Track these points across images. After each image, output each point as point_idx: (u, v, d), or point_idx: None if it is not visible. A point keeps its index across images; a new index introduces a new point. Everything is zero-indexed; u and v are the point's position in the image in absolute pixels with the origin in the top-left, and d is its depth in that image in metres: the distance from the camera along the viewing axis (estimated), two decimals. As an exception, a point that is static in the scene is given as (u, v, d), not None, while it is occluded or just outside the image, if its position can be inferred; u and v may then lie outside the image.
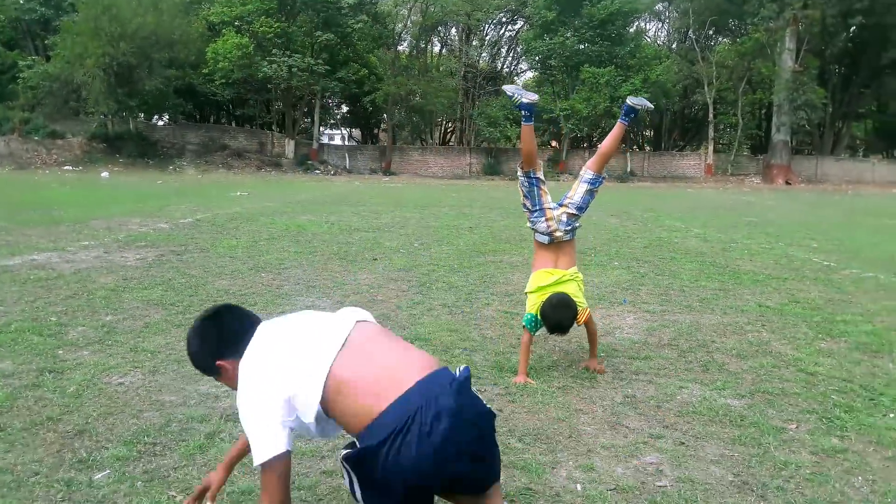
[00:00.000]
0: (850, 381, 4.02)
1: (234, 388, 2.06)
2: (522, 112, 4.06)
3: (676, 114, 48.68)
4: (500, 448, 2.87)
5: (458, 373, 1.98)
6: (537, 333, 4.08)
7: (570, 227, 4.15)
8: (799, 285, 7.11)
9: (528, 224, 4.23)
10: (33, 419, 3.19)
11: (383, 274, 7.20)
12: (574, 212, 4.16)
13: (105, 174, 30.61)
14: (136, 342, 4.45)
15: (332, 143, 51.38)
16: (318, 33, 37.31)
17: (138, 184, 24.11)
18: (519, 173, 4.21)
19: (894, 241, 11.73)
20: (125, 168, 35.17)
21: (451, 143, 50.53)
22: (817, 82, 41.81)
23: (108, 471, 2.71)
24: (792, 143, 48.80)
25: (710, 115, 43.06)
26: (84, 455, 2.84)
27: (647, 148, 51.46)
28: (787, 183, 40.71)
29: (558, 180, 38.79)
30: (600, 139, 47.80)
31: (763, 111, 45.40)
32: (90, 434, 3.05)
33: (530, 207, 4.18)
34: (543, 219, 4.13)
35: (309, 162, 39.38)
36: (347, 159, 42.16)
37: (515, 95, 4.09)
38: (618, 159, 43.66)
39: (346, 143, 53.34)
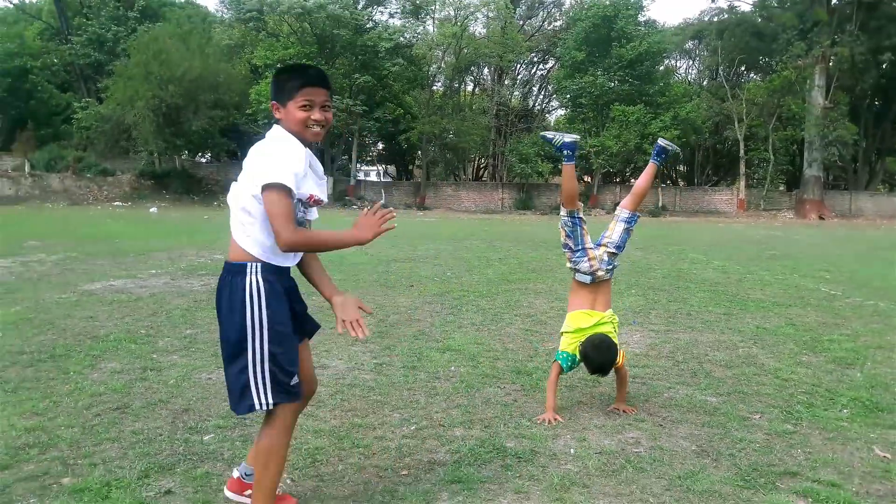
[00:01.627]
0: (817, 386, 4.72)
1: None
2: (564, 152, 4.13)
3: (709, 149, 49.15)
4: (516, 428, 3.68)
5: None
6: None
7: (611, 267, 4.18)
8: (799, 311, 7.76)
9: (569, 265, 4.23)
10: (148, 400, 4.08)
11: (419, 298, 8.05)
12: (614, 251, 4.19)
13: (153, 209, 32.17)
14: (216, 349, 5.33)
15: (368, 179, 52.80)
16: (356, 75, 38.86)
17: (186, 219, 25.46)
18: (562, 213, 4.21)
19: (908, 273, 12.21)
20: (171, 204, 36.80)
21: (483, 179, 51.65)
22: (849, 118, 42.03)
23: (212, 434, 3.57)
24: (827, 178, 48.93)
25: (742, 151, 43.51)
26: (192, 424, 3.71)
27: (682, 183, 51.89)
28: (821, 218, 40.79)
29: (590, 214, 39.47)
30: (633, 174, 48.57)
31: (795, 147, 45.71)
32: (194, 411, 3.92)
33: (573, 247, 4.18)
34: (586, 258, 4.13)
35: (346, 198, 40.73)
36: (383, 195, 43.42)
37: (556, 138, 4.21)
38: (650, 194, 44.03)
39: (382, 179, 54.74)
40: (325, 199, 2.66)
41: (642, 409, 4.14)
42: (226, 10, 44.70)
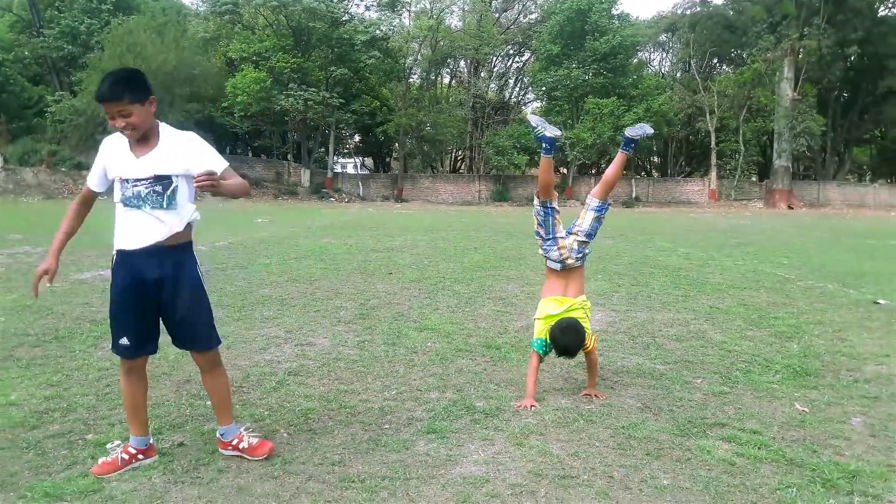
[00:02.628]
0: (756, 356, 5.25)
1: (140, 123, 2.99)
2: (543, 144, 4.20)
3: (682, 141, 50.07)
4: (484, 391, 4.15)
5: None
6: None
7: (580, 255, 4.27)
8: (752, 293, 8.33)
9: (541, 251, 4.33)
10: (152, 373, 4.47)
11: (397, 284, 8.50)
12: (584, 239, 4.27)
13: (131, 203, 32.18)
14: (209, 330, 5.76)
15: (345, 171, 53.04)
16: (333, 68, 39.09)
17: (165, 212, 25.59)
18: (535, 202, 4.32)
19: (862, 258, 12.88)
20: (148, 197, 36.76)
21: (461, 171, 52.17)
22: (817, 109, 43.10)
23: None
24: (797, 168, 50.12)
25: (713, 143, 44.43)
26: (195, 392, 4.15)
27: (655, 174, 52.77)
28: (790, 207, 41.83)
29: (565, 205, 39.97)
30: (607, 165, 49.27)
31: (766, 138, 46.77)
32: (195, 382, 4.34)
33: (544, 236, 4.28)
34: (556, 247, 4.23)
35: (324, 190, 40.99)
36: (361, 187, 43.74)
37: (539, 127, 4.23)
38: (623, 185, 45.07)
39: (360, 171, 55.03)
40: (138, 175, 3.05)
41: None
42: (201, 3, 44.59)
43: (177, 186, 3.08)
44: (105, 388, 4.19)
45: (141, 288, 3.09)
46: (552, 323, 4.07)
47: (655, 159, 54.71)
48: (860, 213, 39.79)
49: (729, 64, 52.20)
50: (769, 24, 43.29)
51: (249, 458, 3.19)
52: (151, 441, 3.27)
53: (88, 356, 4.93)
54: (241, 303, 7.02)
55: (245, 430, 3.32)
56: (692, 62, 47.70)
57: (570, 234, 4.31)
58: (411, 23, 44.67)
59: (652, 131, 4.67)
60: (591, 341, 4.16)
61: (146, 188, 3.02)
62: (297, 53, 39.38)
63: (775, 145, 43.63)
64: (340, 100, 38.92)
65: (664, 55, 57.11)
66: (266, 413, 3.81)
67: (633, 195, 44.45)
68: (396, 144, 45.73)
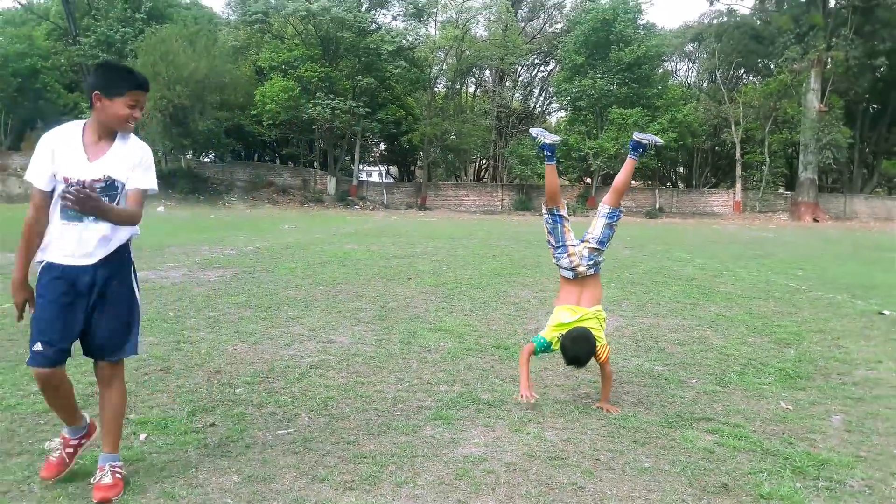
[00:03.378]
0: (753, 360, 5.52)
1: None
2: (544, 152, 4.35)
3: (708, 152, 49.94)
4: (490, 385, 4.48)
5: None
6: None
7: (592, 262, 4.27)
8: (760, 302, 8.56)
9: (553, 260, 4.40)
10: (186, 364, 4.90)
11: (416, 289, 8.87)
12: (596, 246, 4.29)
13: (161, 209, 32.98)
14: (238, 327, 6.18)
15: (370, 179, 53.67)
16: (359, 77, 39.69)
17: (193, 217, 26.31)
18: (544, 210, 4.43)
19: (876, 271, 12.99)
20: (178, 203, 37.62)
21: (484, 180, 52.48)
22: (844, 121, 42.77)
23: (242, 388, 4.39)
24: (825, 180, 49.70)
25: (738, 154, 44.31)
26: (225, 381, 4.54)
27: (681, 185, 52.65)
28: (815, 220, 41.51)
29: (587, 215, 40.28)
30: (634, 175, 49.37)
31: (792, 150, 46.49)
32: (225, 372, 4.73)
33: (554, 244, 4.35)
34: (566, 255, 4.28)
35: (349, 198, 41.58)
36: (385, 195, 44.25)
37: (539, 136, 4.39)
38: (647, 196, 45.14)
39: (384, 179, 55.63)
40: (81, 178, 2.83)
41: (596, 374, 4.95)
42: (231, 12, 45.57)
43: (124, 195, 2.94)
44: (143, 377, 4.59)
45: (72, 294, 2.87)
46: (563, 332, 4.07)
47: (681, 170, 54.58)
48: (887, 226, 39.37)
49: (755, 74, 51.99)
50: (796, 35, 43.08)
51: (92, 485, 2.91)
52: (88, 419, 3.19)
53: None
54: (268, 303, 7.43)
55: (117, 468, 2.96)
56: (718, 72, 47.64)
57: (581, 241, 4.33)
58: (437, 32, 45.18)
59: (661, 142, 4.69)
60: (603, 352, 4.12)
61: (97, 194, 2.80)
62: (324, 63, 40.07)
63: (801, 157, 43.34)
64: (366, 109, 39.50)
65: (690, 65, 57.11)
66: (289, 400, 4.18)
67: (658, 206, 44.42)
68: (421, 153, 46.19)
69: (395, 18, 44.21)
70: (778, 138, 44.70)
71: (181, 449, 3.39)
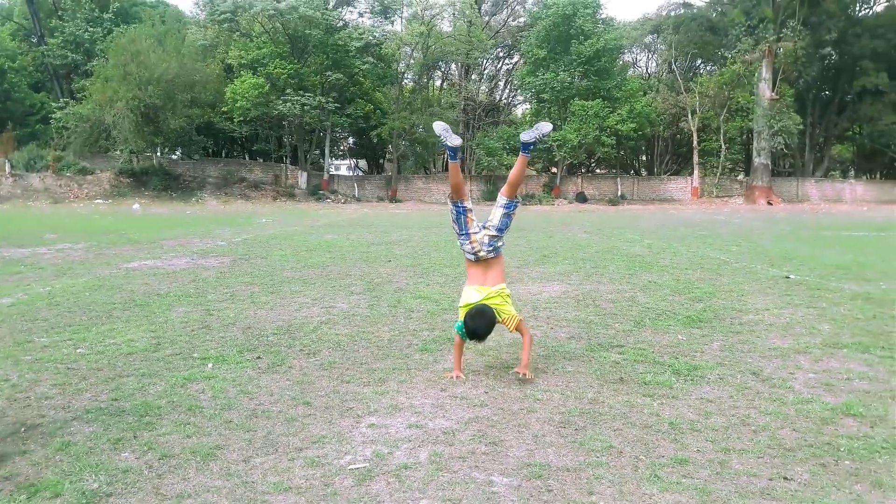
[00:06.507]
0: (668, 311, 6.99)
1: None
2: (448, 151, 4.71)
3: (667, 140, 51.93)
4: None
5: None
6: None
7: (492, 247, 4.69)
8: (689, 272, 10.07)
9: (458, 244, 4.84)
10: (221, 323, 6.22)
11: (396, 268, 10.23)
12: (495, 233, 4.69)
13: (136, 206, 33.83)
14: (252, 299, 7.49)
15: (339, 173, 54.68)
16: (328, 73, 40.73)
17: (171, 214, 27.32)
18: (449, 203, 4.80)
19: (804, 246, 14.64)
20: (152, 200, 38.38)
21: (452, 172, 53.73)
22: (795, 109, 44.97)
23: (272, 337, 5.72)
24: (781, 165, 52.02)
25: (695, 142, 46.33)
26: (258, 332, 5.88)
27: (644, 172, 54.57)
28: (769, 203, 43.67)
29: (553, 204, 42.00)
30: (597, 164, 51.33)
31: (746, 136, 48.62)
32: (254, 328, 6.06)
33: (458, 232, 4.77)
34: (469, 241, 4.70)
35: (321, 192, 42.69)
36: (356, 188, 45.44)
37: (443, 136, 4.65)
38: (609, 184, 46.96)
39: (354, 173, 56.71)
40: None
41: (544, 323, 6.37)
42: (200, 11, 46.22)
43: None
44: (190, 333, 5.89)
45: None
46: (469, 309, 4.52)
47: (643, 158, 56.55)
48: (835, 207, 41.66)
49: (712, 65, 54.06)
50: (747, 27, 45.17)
51: None
52: None
53: (168, 315, 6.64)
54: (271, 282, 8.74)
55: None
56: (675, 63, 49.58)
57: (483, 228, 4.73)
58: (403, 29, 46.38)
59: (549, 128, 4.89)
60: (511, 322, 4.56)
61: None
62: (293, 60, 41.00)
63: (755, 144, 45.49)
64: (336, 104, 40.56)
65: (650, 56, 59.04)
66: (311, 342, 5.55)
67: (619, 193, 46.25)
68: (390, 146, 47.43)
69: (361, 15, 45.41)
70: (733, 126, 46.80)
71: (242, 370, 4.74)
